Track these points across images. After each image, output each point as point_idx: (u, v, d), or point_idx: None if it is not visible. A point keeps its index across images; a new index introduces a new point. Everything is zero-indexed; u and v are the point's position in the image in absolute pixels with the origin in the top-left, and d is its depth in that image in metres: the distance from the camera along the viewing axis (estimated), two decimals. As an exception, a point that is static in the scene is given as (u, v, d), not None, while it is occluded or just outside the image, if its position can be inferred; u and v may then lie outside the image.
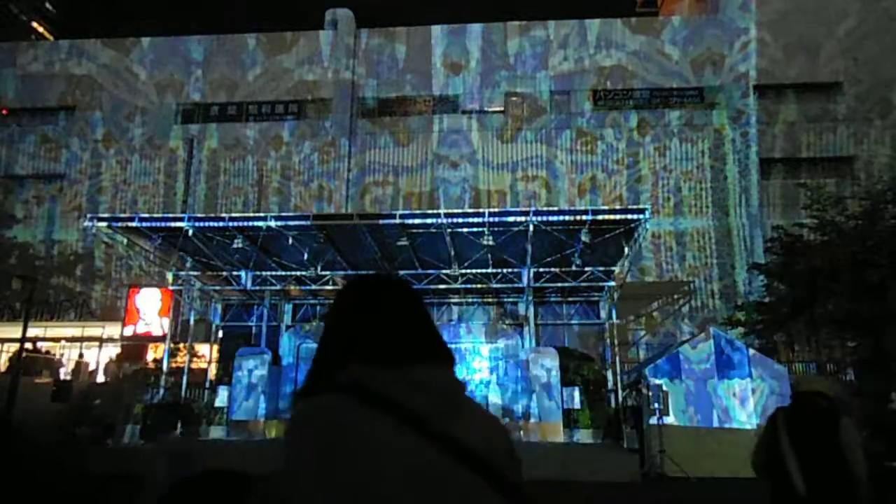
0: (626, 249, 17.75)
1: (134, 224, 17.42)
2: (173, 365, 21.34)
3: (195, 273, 20.57)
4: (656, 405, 12.57)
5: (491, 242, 16.55)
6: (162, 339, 23.27)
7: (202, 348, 23.21)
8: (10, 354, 22.15)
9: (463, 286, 20.53)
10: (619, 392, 19.18)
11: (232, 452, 14.18)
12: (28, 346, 21.71)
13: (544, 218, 16.57)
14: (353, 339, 1.42)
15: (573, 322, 22.85)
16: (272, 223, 16.89)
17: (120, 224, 17.69)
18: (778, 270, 19.46)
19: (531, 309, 21.09)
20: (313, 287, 21.03)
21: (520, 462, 1.40)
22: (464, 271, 19.71)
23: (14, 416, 17.81)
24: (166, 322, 23.67)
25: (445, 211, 17.85)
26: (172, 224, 17.35)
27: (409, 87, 30.23)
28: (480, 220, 16.50)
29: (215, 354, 22.76)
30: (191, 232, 17.10)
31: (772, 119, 28.46)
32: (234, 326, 23.55)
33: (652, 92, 29.07)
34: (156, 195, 29.71)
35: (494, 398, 21.28)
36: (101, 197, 29.87)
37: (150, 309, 25.93)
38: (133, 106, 30.91)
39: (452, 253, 18.38)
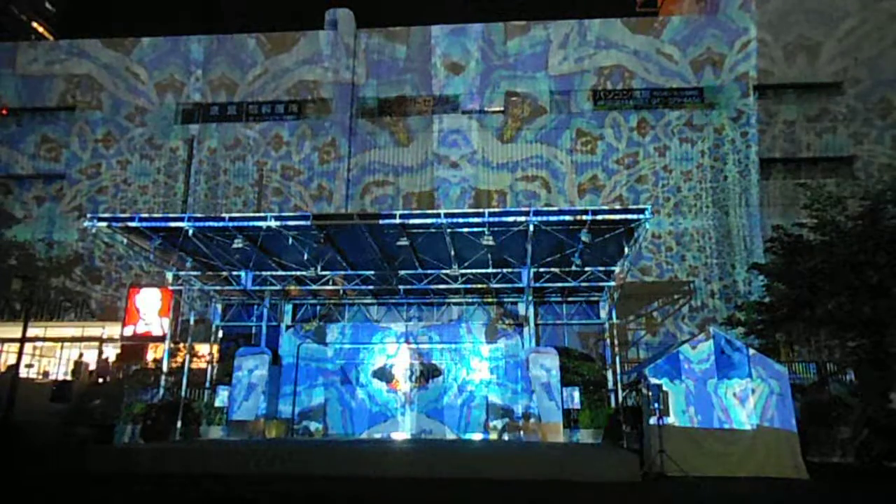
0: (626, 249, 17.72)
1: (134, 224, 17.36)
2: (173, 365, 21.31)
3: (195, 273, 20.54)
4: (656, 405, 12.54)
5: (491, 242, 16.50)
6: (162, 339, 23.27)
7: (202, 348, 23.19)
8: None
9: (463, 286, 20.51)
10: (619, 392, 19.15)
11: (232, 452, 14.14)
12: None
13: (544, 218, 16.52)
14: None
15: (573, 322, 22.80)
16: (272, 223, 16.86)
17: (120, 224, 17.62)
18: (778, 270, 19.41)
19: (531, 309, 21.06)
20: (313, 287, 21.01)
21: None
22: (464, 271, 19.68)
23: (14, 416, 17.84)
24: (166, 322, 23.68)
25: (445, 211, 17.81)
26: (172, 224, 17.30)
27: (409, 87, 30.24)
28: (480, 220, 16.45)
29: (215, 354, 22.74)
30: (191, 232, 17.07)
31: (772, 119, 28.48)
32: (234, 326, 23.51)
33: (652, 92, 29.09)
34: (156, 195, 29.73)
35: (494, 398, 21.27)
36: (101, 197, 29.89)
37: (150, 309, 25.95)
38: (133, 106, 30.94)
39: (452, 253, 18.35)
